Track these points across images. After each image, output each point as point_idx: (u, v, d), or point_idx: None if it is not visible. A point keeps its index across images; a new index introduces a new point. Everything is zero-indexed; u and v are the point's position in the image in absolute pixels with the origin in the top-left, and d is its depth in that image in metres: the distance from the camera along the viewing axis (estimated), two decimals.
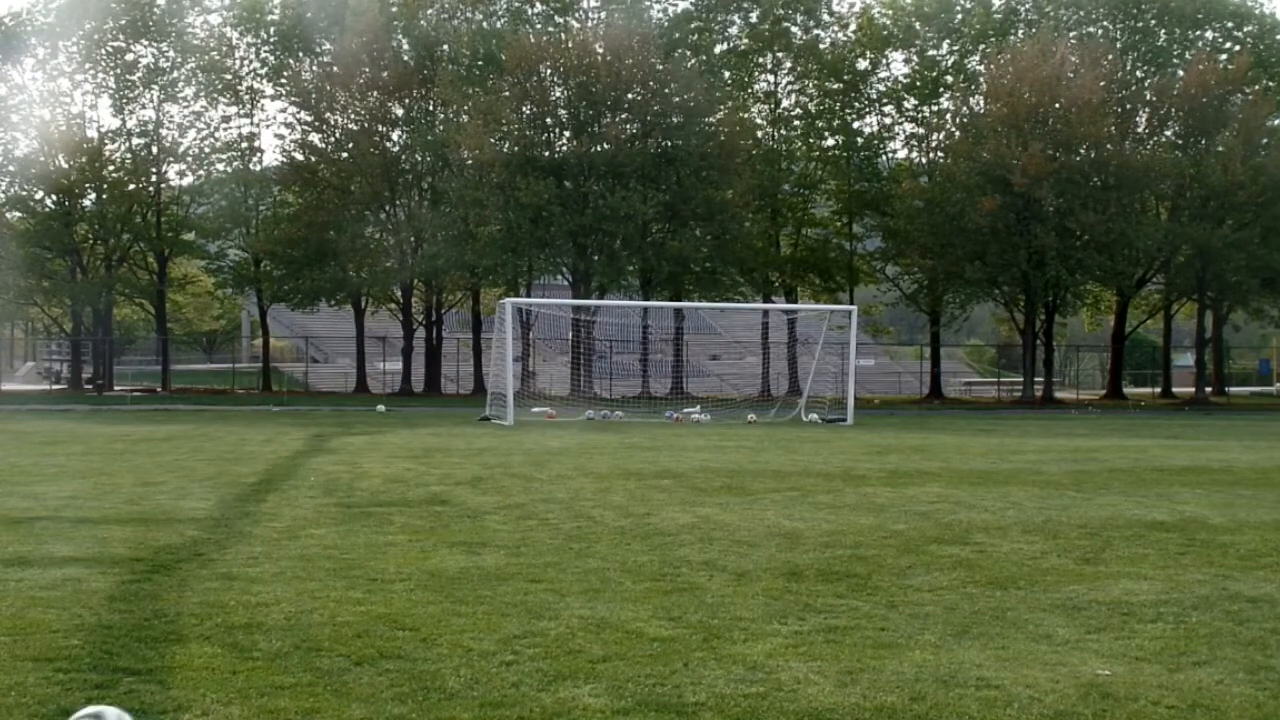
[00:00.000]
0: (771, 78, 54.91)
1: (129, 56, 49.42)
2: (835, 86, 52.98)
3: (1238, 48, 51.69)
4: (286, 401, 41.97)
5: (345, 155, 49.02)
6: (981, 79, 50.79)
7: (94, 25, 48.11)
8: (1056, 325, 55.02)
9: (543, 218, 43.52)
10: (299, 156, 50.10)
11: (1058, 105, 45.47)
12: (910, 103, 54.47)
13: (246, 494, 12.66)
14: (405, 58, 49.56)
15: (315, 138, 50.25)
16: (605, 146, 44.48)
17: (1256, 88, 48.67)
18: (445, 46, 50.27)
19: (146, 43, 49.64)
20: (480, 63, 49.23)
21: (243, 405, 40.30)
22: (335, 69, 48.56)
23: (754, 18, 53.02)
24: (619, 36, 45.79)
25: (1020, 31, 52.45)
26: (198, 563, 8.23)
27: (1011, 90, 45.49)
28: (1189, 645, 6.05)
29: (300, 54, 51.14)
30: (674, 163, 45.00)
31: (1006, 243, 45.32)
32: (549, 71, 46.32)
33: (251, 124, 52.02)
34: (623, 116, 45.75)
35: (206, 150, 51.02)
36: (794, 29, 53.36)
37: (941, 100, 53.82)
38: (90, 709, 4.54)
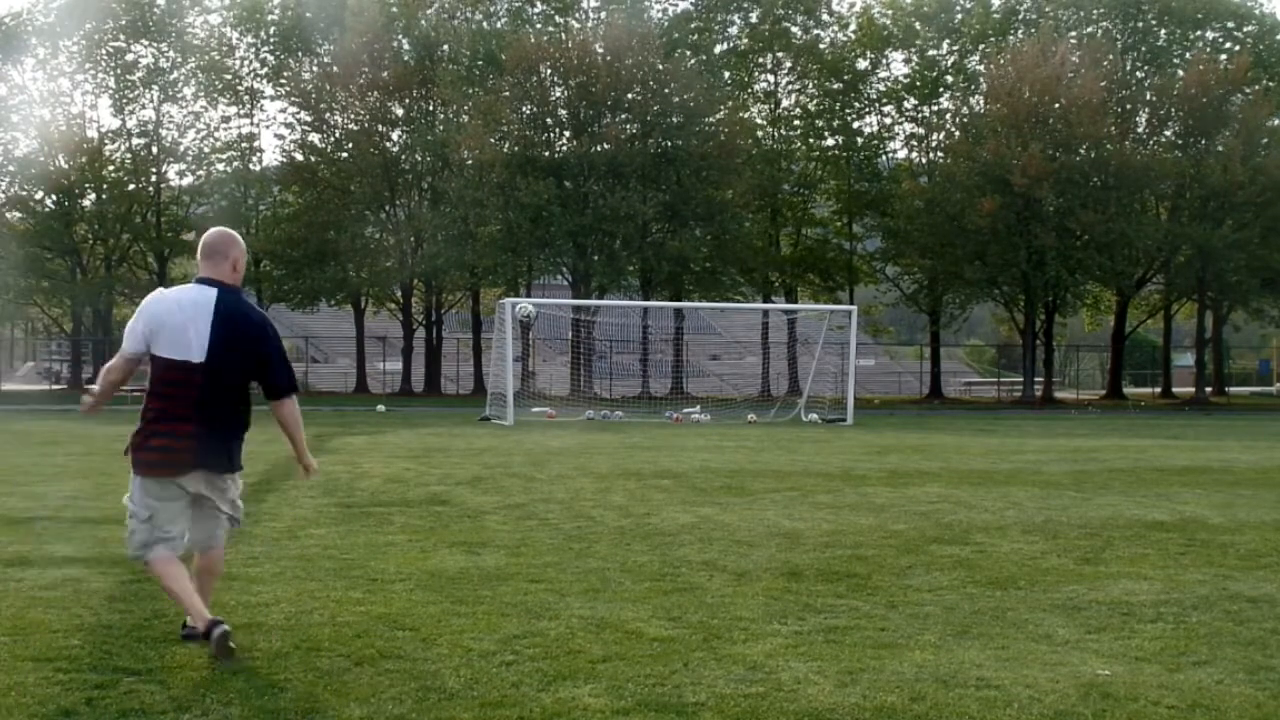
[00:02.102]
0: (771, 78, 54.96)
1: (129, 56, 49.47)
2: (835, 86, 53.02)
3: (1238, 48, 51.70)
4: None
5: (345, 155, 49.06)
6: (981, 79, 50.85)
7: (94, 25, 48.16)
8: (1056, 325, 55.06)
9: (543, 218, 43.53)
10: (299, 156, 50.15)
11: (1058, 105, 45.48)
12: (910, 103, 54.52)
13: (246, 494, 12.63)
14: (405, 58, 49.59)
15: (315, 138, 50.32)
16: (605, 146, 44.50)
17: (1256, 88, 48.68)
18: (445, 46, 50.31)
19: (146, 43, 49.68)
20: (480, 63, 49.25)
21: None
22: (335, 69, 48.59)
23: (754, 18, 53.06)
24: (619, 36, 45.80)
25: (1020, 31, 52.48)
26: None
27: (1011, 90, 45.51)
28: (1189, 645, 6.04)
29: (300, 54, 51.17)
30: (674, 163, 45.02)
31: (1006, 243, 45.33)
32: (549, 71, 46.36)
33: (251, 124, 52.18)
34: (623, 116, 45.78)
35: (206, 150, 51.11)
36: (794, 29, 53.42)
37: (941, 100, 53.88)
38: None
